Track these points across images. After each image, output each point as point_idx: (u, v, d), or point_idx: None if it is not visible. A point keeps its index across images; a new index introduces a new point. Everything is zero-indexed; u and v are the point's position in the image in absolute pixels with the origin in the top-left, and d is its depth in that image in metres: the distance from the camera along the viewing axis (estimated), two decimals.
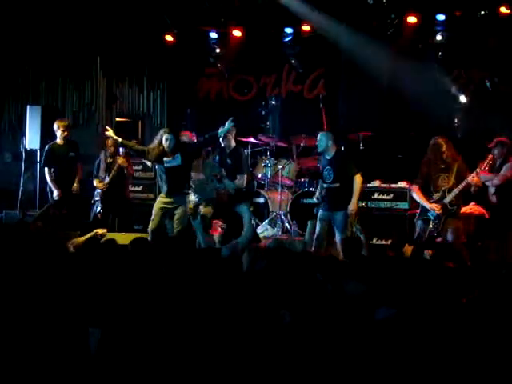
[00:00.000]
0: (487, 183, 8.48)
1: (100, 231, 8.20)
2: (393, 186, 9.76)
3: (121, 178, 9.82)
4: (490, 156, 8.19)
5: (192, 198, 8.93)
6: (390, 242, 9.44)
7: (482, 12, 10.17)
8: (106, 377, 3.82)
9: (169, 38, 11.90)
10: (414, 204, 8.88)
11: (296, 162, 10.80)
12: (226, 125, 8.80)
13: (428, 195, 8.17)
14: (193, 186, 8.88)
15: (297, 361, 3.83)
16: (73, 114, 12.25)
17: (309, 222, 8.95)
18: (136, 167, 10.51)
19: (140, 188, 10.72)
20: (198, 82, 12.67)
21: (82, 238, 7.34)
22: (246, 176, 9.34)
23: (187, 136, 9.46)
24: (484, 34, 10.26)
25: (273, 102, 11.86)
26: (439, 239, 8.04)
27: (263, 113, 11.78)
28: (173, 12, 11.54)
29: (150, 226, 8.43)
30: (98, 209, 9.72)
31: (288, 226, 10.20)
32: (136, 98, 12.66)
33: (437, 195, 8.09)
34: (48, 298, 4.49)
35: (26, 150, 11.07)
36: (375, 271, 5.14)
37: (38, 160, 10.80)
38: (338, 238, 8.20)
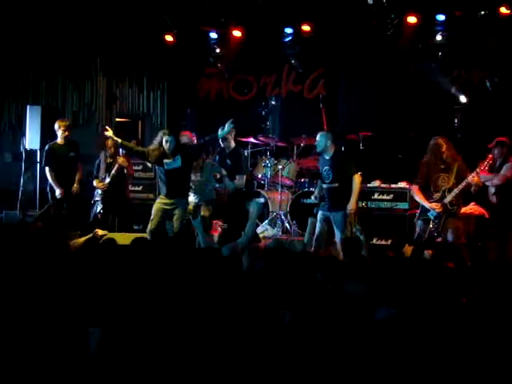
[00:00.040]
0: (487, 183, 8.48)
1: (100, 232, 8.23)
2: (393, 186, 9.76)
3: (121, 178, 9.82)
4: (490, 156, 8.19)
5: (192, 198, 8.93)
6: (389, 242, 9.44)
7: (482, 12, 10.17)
8: (106, 377, 3.82)
9: (169, 38, 11.90)
10: (414, 204, 8.88)
11: (296, 162, 10.80)
12: (226, 127, 8.79)
13: (428, 195, 8.17)
14: (192, 187, 8.87)
15: (297, 361, 3.83)
16: (73, 113, 12.26)
17: (309, 222, 8.94)
18: (136, 167, 10.51)
19: (140, 188, 10.71)
20: (198, 82, 12.67)
21: (82, 239, 7.35)
22: (245, 176, 9.34)
23: (187, 136, 9.46)
24: (484, 34, 10.26)
25: (273, 102, 11.86)
26: (439, 239, 8.04)
27: (263, 113, 11.77)
28: (173, 12, 11.54)
29: (149, 227, 8.43)
30: (98, 209, 9.71)
31: (288, 226, 10.20)
32: (136, 98, 12.66)
33: (437, 195, 8.09)
34: (48, 297, 4.49)
35: (25, 150, 11.07)
36: (375, 271, 5.14)
37: (38, 160, 10.80)
38: (337, 237, 8.20)
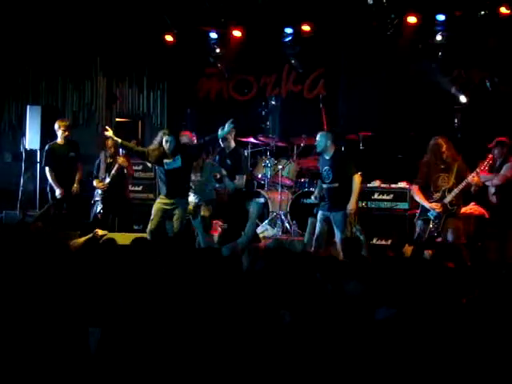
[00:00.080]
0: (487, 183, 8.48)
1: (100, 232, 8.23)
2: (393, 186, 9.76)
3: (121, 178, 9.81)
4: (490, 156, 8.19)
5: (192, 198, 8.93)
6: (389, 242, 9.44)
7: (482, 12, 10.17)
8: (106, 377, 3.82)
9: (169, 38, 11.90)
10: (414, 204, 8.88)
11: (296, 162, 10.80)
12: (226, 127, 8.79)
13: (428, 195, 8.17)
14: (192, 187, 8.87)
15: (297, 360, 3.83)
16: (73, 113, 12.25)
17: (309, 222, 8.94)
18: (136, 167, 10.51)
19: (140, 188, 10.71)
20: (198, 82, 12.67)
21: (82, 239, 7.35)
22: (245, 176, 9.34)
23: (187, 136, 9.45)
24: (484, 34, 10.26)
25: (273, 102, 11.86)
26: (439, 239, 8.04)
27: (263, 113, 11.77)
28: (173, 12, 11.54)
29: (149, 227, 8.42)
30: (98, 209, 9.71)
31: (288, 226, 10.20)
32: (136, 98, 12.66)
33: (437, 195, 8.09)
34: (48, 297, 4.49)
35: (25, 150, 11.07)
36: (375, 271, 5.14)
37: (38, 160, 10.80)
38: (337, 237, 8.20)
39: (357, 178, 8.33)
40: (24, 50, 11.77)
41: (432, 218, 8.05)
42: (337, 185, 8.34)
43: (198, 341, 3.95)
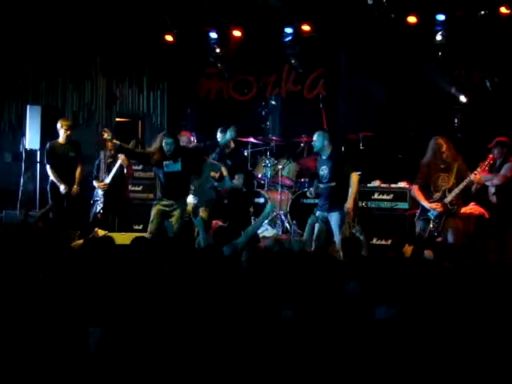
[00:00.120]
0: (487, 183, 8.48)
1: (100, 232, 8.23)
2: (393, 186, 9.76)
3: (121, 178, 9.81)
4: (491, 156, 8.20)
5: (191, 199, 8.94)
6: (389, 241, 9.44)
7: (482, 12, 10.17)
8: (106, 377, 3.82)
9: (169, 38, 11.90)
10: (414, 204, 8.88)
11: (296, 162, 10.80)
12: (228, 134, 8.80)
13: (428, 195, 8.18)
14: (192, 188, 8.88)
15: (297, 360, 3.83)
16: (73, 113, 12.23)
17: (308, 222, 8.94)
18: (136, 167, 10.49)
19: (140, 188, 10.70)
20: (198, 81, 12.66)
21: (81, 241, 7.34)
22: (244, 176, 9.35)
23: (186, 136, 9.45)
24: (484, 34, 10.26)
25: (273, 102, 11.87)
26: (439, 239, 8.04)
27: (263, 113, 11.78)
28: (173, 12, 11.53)
29: (150, 228, 8.42)
30: (98, 209, 9.70)
31: (288, 226, 10.20)
32: (136, 98, 12.65)
33: (437, 195, 8.10)
34: (48, 297, 4.49)
35: (25, 150, 11.06)
36: (375, 271, 5.14)
37: (38, 160, 10.80)
38: (336, 237, 8.21)
39: (354, 177, 8.32)
40: (24, 49, 11.76)
41: (432, 217, 8.06)
42: (334, 184, 8.34)
43: (198, 340, 3.95)
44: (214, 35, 11.79)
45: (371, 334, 3.95)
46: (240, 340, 3.96)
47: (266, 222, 10.21)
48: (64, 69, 12.15)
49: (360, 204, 9.57)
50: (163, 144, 8.36)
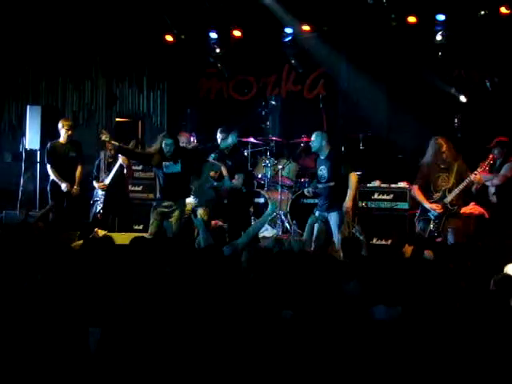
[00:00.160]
0: (487, 183, 8.48)
1: (100, 232, 8.23)
2: (393, 186, 9.76)
3: (121, 178, 9.81)
4: (491, 156, 8.20)
5: (191, 199, 8.94)
6: (389, 241, 9.44)
7: (482, 12, 10.17)
8: (106, 376, 3.82)
9: (169, 38, 11.90)
10: (414, 204, 8.88)
11: (296, 162, 10.81)
12: (230, 140, 8.81)
13: (428, 195, 8.18)
14: (192, 189, 8.89)
15: (296, 360, 3.83)
16: (73, 113, 12.23)
17: (308, 222, 8.94)
18: (136, 167, 10.49)
19: (140, 188, 10.70)
20: (198, 81, 12.66)
21: (81, 241, 7.34)
22: (243, 176, 9.36)
23: (186, 137, 9.46)
24: (484, 34, 10.26)
25: (273, 102, 11.86)
26: (439, 239, 8.04)
27: (263, 113, 11.78)
28: (173, 12, 11.53)
29: (150, 230, 8.43)
30: (98, 209, 9.70)
31: (288, 226, 10.20)
32: (136, 98, 12.65)
33: (437, 195, 8.10)
34: (48, 297, 4.49)
35: (25, 150, 11.06)
36: (375, 271, 5.14)
37: (38, 160, 10.80)
38: (335, 237, 8.22)
39: (353, 177, 8.33)
40: (24, 49, 11.76)
41: (432, 217, 8.06)
42: (333, 184, 8.35)
43: (198, 340, 3.95)
44: (213, 35, 11.79)
45: (371, 334, 3.95)
46: (240, 340, 3.96)
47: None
48: (64, 69, 12.15)
49: (360, 204, 9.57)
50: (163, 145, 8.36)
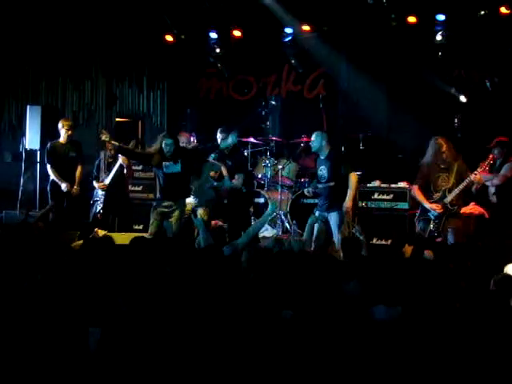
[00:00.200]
0: (487, 183, 8.48)
1: (100, 232, 8.23)
2: (393, 186, 9.76)
3: (121, 178, 9.81)
4: (491, 156, 8.20)
5: (191, 199, 8.93)
6: (389, 241, 9.44)
7: (482, 12, 10.17)
8: (106, 376, 3.82)
9: (169, 38, 11.90)
10: (414, 204, 8.88)
11: (296, 162, 10.81)
12: (230, 139, 8.80)
13: (428, 195, 8.18)
14: (192, 189, 8.89)
15: (296, 359, 3.83)
16: (73, 113, 12.23)
17: (308, 222, 8.95)
18: (136, 167, 10.49)
19: (140, 188, 10.70)
20: (198, 81, 12.67)
21: (81, 242, 7.35)
22: (243, 176, 9.36)
23: (186, 137, 9.45)
24: (484, 34, 10.26)
25: (273, 102, 11.86)
26: (439, 239, 8.04)
27: (263, 113, 11.78)
28: (173, 12, 11.53)
29: (150, 230, 8.43)
30: (98, 209, 9.70)
31: (288, 226, 10.20)
32: (136, 98, 12.65)
33: (437, 195, 8.11)
34: (48, 297, 4.49)
35: (25, 150, 11.06)
36: (375, 271, 5.14)
37: (38, 160, 10.80)
38: (335, 237, 8.22)
39: (353, 177, 8.33)
40: (24, 49, 11.76)
41: (432, 217, 8.06)
42: (333, 184, 8.36)
43: (197, 340, 3.95)
44: (213, 35, 11.79)
45: (371, 334, 3.95)
46: (240, 340, 3.96)
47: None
48: (64, 69, 12.15)
49: (360, 204, 9.58)
50: (163, 145, 8.36)
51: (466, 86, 10.76)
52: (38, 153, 10.79)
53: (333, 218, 8.31)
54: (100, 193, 9.71)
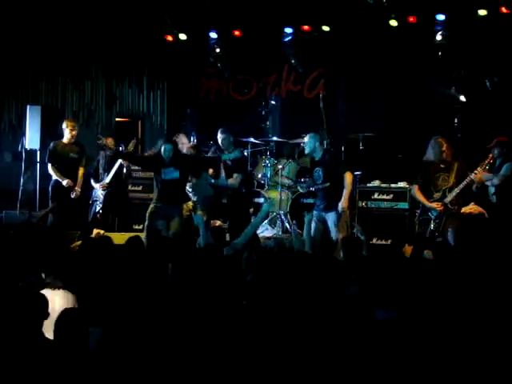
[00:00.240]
0: (487, 183, 8.48)
1: (100, 232, 8.24)
2: (393, 186, 9.76)
3: (120, 178, 9.81)
4: (491, 156, 8.20)
5: (190, 196, 8.93)
6: (389, 241, 9.43)
7: (482, 12, 10.17)
8: (106, 376, 3.82)
9: (169, 37, 11.90)
10: (414, 204, 8.88)
11: (296, 162, 10.81)
12: (233, 154, 8.89)
13: (428, 195, 8.18)
14: (190, 190, 8.89)
15: (297, 359, 3.83)
16: (73, 113, 12.23)
17: (305, 221, 8.96)
18: (136, 167, 10.49)
19: (140, 188, 10.69)
20: (198, 81, 12.66)
21: (79, 242, 7.36)
22: (241, 176, 9.37)
23: (185, 138, 9.46)
24: (484, 34, 10.26)
25: (273, 102, 11.86)
26: (439, 239, 8.04)
27: (263, 113, 11.78)
28: (173, 12, 11.53)
29: (145, 232, 8.38)
30: (98, 209, 9.70)
31: (288, 226, 10.19)
32: (136, 98, 12.65)
33: (437, 195, 8.11)
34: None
35: (25, 150, 11.05)
36: (375, 271, 5.15)
37: (38, 160, 10.79)
38: (334, 237, 8.24)
39: (348, 177, 8.36)
40: (24, 49, 11.75)
41: (433, 217, 8.07)
42: (328, 185, 8.38)
43: (197, 340, 3.95)
44: (213, 35, 11.79)
45: (371, 334, 3.96)
46: (240, 339, 3.95)
47: (266, 221, 10.21)
48: (64, 69, 12.14)
49: (360, 204, 9.59)
50: (162, 150, 8.35)
51: (466, 86, 10.76)
52: (38, 153, 10.78)
53: (330, 218, 8.34)
54: (99, 192, 9.70)
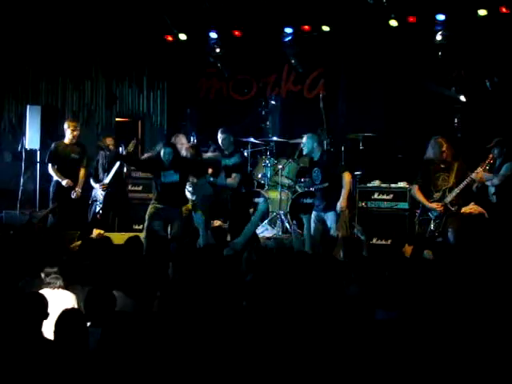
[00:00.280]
0: (487, 183, 8.49)
1: (101, 232, 8.25)
2: (393, 186, 9.76)
3: (120, 178, 9.81)
4: (491, 156, 8.21)
5: (189, 196, 8.95)
6: (389, 241, 9.43)
7: (482, 12, 10.17)
8: (106, 376, 3.82)
9: (169, 37, 11.90)
10: (414, 204, 8.88)
11: (296, 162, 10.80)
12: (232, 159, 8.88)
13: (428, 195, 8.19)
14: (189, 189, 8.90)
15: (296, 359, 3.83)
16: (73, 113, 12.23)
17: (304, 221, 8.96)
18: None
19: (140, 188, 10.68)
20: (198, 81, 12.67)
21: (79, 242, 7.37)
22: (240, 176, 9.37)
23: (184, 138, 9.46)
24: (484, 34, 10.27)
25: (273, 102, 11.86)
26: (439, 239, 8.04)
27: (263, 113, 11.78)
28: (173, 12, 11.53)
29: (145, 232, 8.38)
30: (97, 209, 9.70)
31: (288, 226, 10.19)
32: (136, 98, 12.65)
33: (437, 195, 8.11)
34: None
35: (25, 150, 11.05)
36: (375, 271, 5.15)
37: (38, 160, 10.80)
38: (332, 232, 8.26)
39: (346, 177, 8.38)
40: (24, 49, 11.76)
41: (433, 217, 8.07)
42: (327, 185, 8.40)
43: (197, 340, 3.95)
44: (213, 35, 11.80)
45: (371, 334, 3.96)
46: (240, 339, 3.96)
47: (266, 221, 10.21)
48: (64, 69, 12.15)
49: (360, 204, 9.59)
50: (161, 154, 8.35)
51: (466, 86, 10.76)
52: (38, 153, 10.78)
53: (329, 218, 8.36)
54: (99, 193, 9.70)
